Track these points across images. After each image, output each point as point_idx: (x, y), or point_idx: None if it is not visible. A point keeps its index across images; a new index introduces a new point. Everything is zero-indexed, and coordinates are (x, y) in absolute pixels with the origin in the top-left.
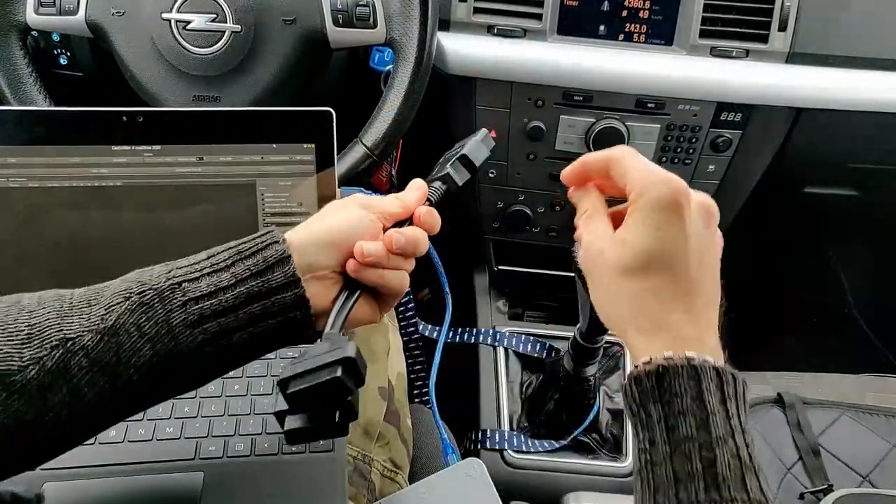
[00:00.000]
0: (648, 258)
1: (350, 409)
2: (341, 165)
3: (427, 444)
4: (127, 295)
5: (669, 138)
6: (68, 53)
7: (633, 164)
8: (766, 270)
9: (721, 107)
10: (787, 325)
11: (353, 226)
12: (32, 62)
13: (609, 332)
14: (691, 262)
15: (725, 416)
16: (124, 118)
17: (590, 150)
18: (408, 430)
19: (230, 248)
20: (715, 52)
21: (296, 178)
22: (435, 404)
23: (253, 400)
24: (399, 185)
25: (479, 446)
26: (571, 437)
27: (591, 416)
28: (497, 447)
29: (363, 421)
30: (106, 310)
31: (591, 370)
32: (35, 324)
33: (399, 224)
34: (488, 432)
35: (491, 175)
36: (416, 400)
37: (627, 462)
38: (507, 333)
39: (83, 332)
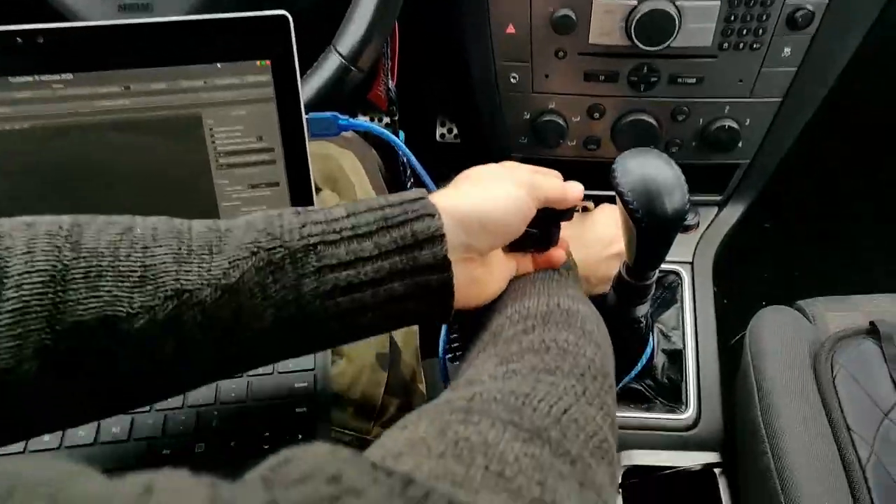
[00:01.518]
0: None
1: None
2: (313, 82)
3: None
4: (254, 249)
5: (733, 17)
6: None
7: None
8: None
9: None
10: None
11: (512, 211)
12: None
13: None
14: None
15: None
16: (19, 39)
17: (632, 42)
18: (421, 399)
19: (374, 210)
20: None
21: (251, 106)
22: (446, 365)
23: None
24: (400, 101)
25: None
26: (620, 385)
27: (643, 361)
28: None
29: (355, 396)
30: (230, 263)
31: (643, 310)
32: (150, 265)
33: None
34: None
35: (513, 80)
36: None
37: (689, 412)
38: None
39: (202, 284)
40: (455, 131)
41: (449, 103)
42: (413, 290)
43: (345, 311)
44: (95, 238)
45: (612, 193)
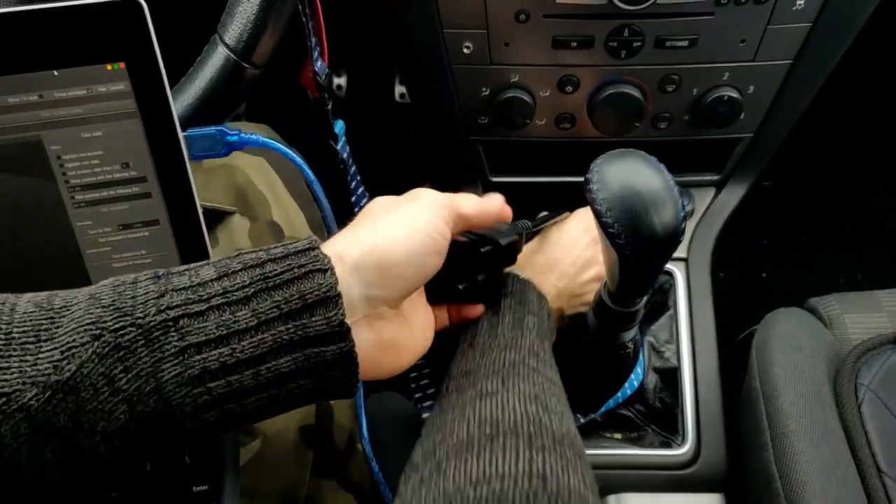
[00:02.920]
0: None
1: None
2: (197, 84)
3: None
4: (96, 332)
5: None
6: None
7: None
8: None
9: None
10: None
11: (417, 245)
12: None
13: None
14: None
15: None
16: None
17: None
18: (359, 466)
19: (251, 268)
20: None
21: (108, 124)
22: (371, 454)
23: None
24: (351, 59)
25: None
26: (603, 410)
27: (633, 384)
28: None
29: (278, 488)
30: (62, 353)
31: (629, 335)
32: None
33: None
34: None
35: (466, 51)
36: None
37: (687, 446)
38: None
39: (23, 384)
40: None
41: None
42: (304, 365)
43: (220, 398)
44: None
45: None
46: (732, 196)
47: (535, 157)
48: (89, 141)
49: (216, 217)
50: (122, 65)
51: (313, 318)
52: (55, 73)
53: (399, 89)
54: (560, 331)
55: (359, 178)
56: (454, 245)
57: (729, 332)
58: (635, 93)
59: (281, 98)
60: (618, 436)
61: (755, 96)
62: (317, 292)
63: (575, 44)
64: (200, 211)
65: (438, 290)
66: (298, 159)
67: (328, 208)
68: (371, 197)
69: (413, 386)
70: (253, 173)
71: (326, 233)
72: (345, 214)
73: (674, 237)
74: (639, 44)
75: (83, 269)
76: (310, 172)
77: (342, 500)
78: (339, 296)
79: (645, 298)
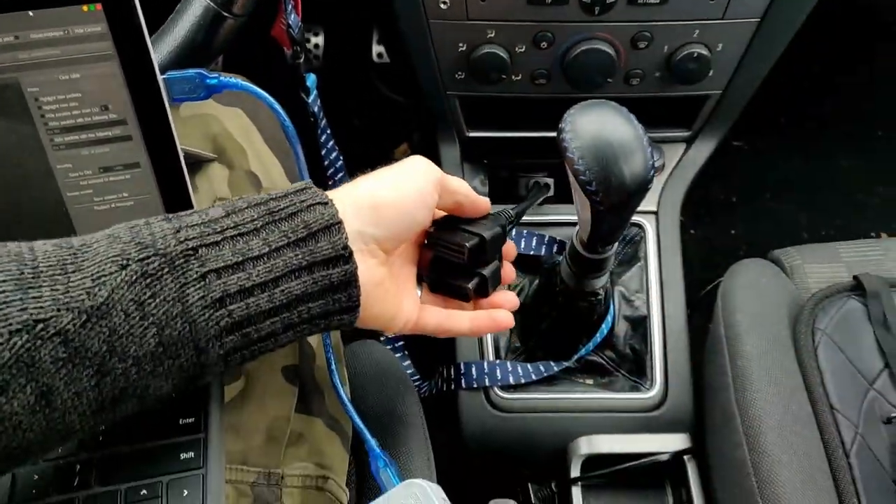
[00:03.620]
0: None
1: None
2: (176, 32)
3: (388, 387)
4: (123, 262)
5: None
6: None
7: None
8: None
9: None
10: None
11: (408, 194)
12: None
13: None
14: None
15: None
16: None
17: None
18: (340, 407)
19: (256, 205)
20: None
21: (86, 66)
22: (343, 394)
23: None
24: (328, 16)
25: (453, 386)
26: (575, 357)
27: (603, 330)
28: (478, 384)
29: (264, 423)
30: (93, 280)
31: (600, 283)
32: None
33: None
34: (462, 367)
35: (443, 6)
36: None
37: (654, 390)
38: None
39: (59, 310)
40: None
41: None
42: (313, 288)
43: (240, 322)
44: None
45: None
46: (701, 152)
47: (511, 113)
48: (67, 83)
49: (195, 165)
50: (99, 6)
51: (319, 244)
52: (30, 13)
53: (377, 49)
54: (536, 285)
55: (329, 131)
56: (439, 239)
57: (698, 285)
58: (608, 49)
59: (257, 53)
60: (589, 381)
61: (723, 54)
62: (320, 221)
63: (549, 0)
64: (181, 154)
65: (439, 283)
66: (276, 105)
67: (301, 155)
68: (341, 152)
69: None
70: (229, 123)
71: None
72: (314, 168)
73: (643, 185)
74: (612, 0)
75: (65, 213)
76: (286, 118)
77: (327, 438)
78: (341, 223)
79: (615, 246)
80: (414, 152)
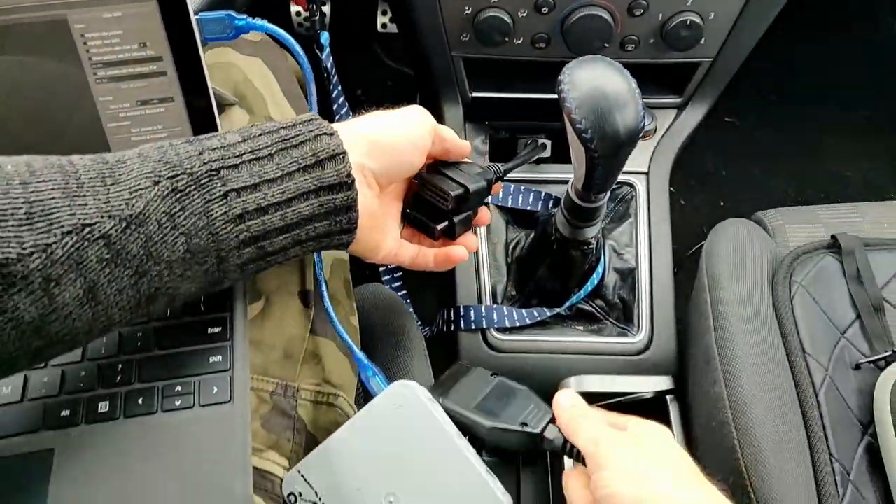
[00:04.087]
0: None
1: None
2: None
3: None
4: (155, 178)
5: None
6: None
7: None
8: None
9: None
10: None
11: (404, 134)
12: None
13: (614, 183)
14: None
15: None
16: None
17: None
18: (353, 332)
19: (269, 133)
20: None
21: (127, 6)
22: (329, 304)
23: (119, 335)
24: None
25: (452, 327)
26: (567, 304)
27: (594, 280)
28: (476, 326)
29: (282, 340)
30: (130, 193)
31: (592, 231)
32: (35, 201)
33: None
34: (462, 310)
35: None
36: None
37: (641, 336)
38: None
39: (102, 217)
40: None
41: None
42: (319, 210)
43: (257, 236)
44: None
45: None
46: (691, 118)
47: (513, 75)
48: (110, 21)
49: (218, 108)
50: None
51: (325, 171)
52: None
53: (381, 20)
54: (531, 238)
55: (340, 87)
56: (428, 183)
57: (686, 252)
58: (606, 15)
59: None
60: (580, 327)
61: (715, 22)
62: (326, 150)
63: None
64: (211, 90)
65: (415, 220)
66: (296, 46)
67: (315, 93)
68: (351, 107)
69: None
70: (250, 72)
71: None
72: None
73: (634, 134)
74: None
75: (105, 143)
76: (305, 60)
77: (338, 361)
78: (345, 153)
79: (607, 195)
80: None
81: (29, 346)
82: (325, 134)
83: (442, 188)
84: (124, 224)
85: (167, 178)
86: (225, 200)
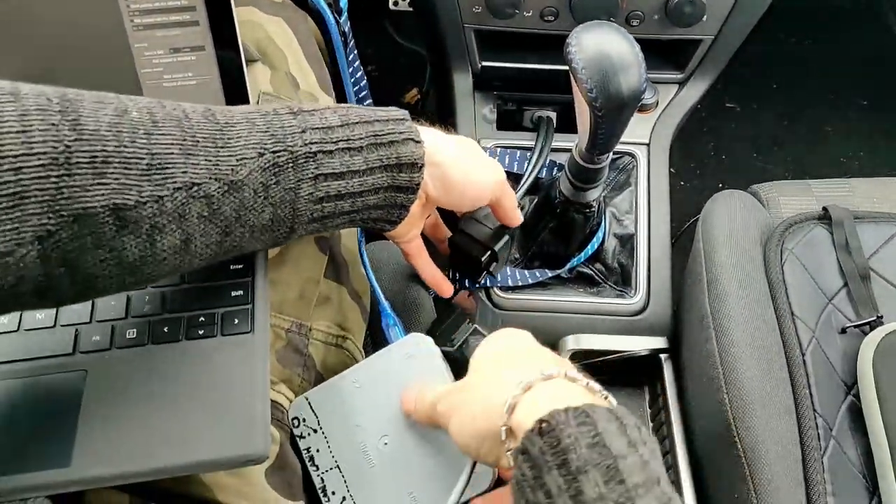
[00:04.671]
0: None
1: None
2: None
3: (403, 277)
4: (261, 150)
5: None
6: None
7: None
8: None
9: None
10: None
11: (472, 185)
12: None
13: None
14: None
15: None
16: None
17: None
18: (362, 282)
19: (365, 123)
20: None
21: None
22: (366, 259)
23: None
24: None
25: (457, 286)
26: (567, 266)
27: (594, 244)
28: (480, 285)
29: (298, 281)
30: (237, 160)
31: (594, 194)
32: (157, 153)
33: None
34: None
35: None
36: None
37: (638, 297)
38: (494, 148)
39: (209, 178)
40: None
41: None
42: (383, 203)
43: (326, 216)
44: (94, 118)
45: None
46: (692, 93)
47: (522, 46)
48: None
49: None
50: None
51: (401, 174)
52: None
53: None
54: (535, 203)
55: (356, 52)
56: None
57: (681, 208)
58: None
59: None
60: (580, 290)
61: (717, 0)
62: (409, 157)
63: None
64: (241, 42)
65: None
66: (322, 3)
67: (342, 49)
68: (366, 72)
69: None
70: (272, 30)
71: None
72: (336, 82)
73: (636, 95)
74: None
75: (139, 89)
76: (330, 15)
77: (349, 306)
78: (423, 166)
79: (609, 157)
80: (423, 96)
81: (122, 281)
82: (412, 140)
83: (473, 252)
84: (226, 188)
85: (270, 153)
86: (314, 182)
